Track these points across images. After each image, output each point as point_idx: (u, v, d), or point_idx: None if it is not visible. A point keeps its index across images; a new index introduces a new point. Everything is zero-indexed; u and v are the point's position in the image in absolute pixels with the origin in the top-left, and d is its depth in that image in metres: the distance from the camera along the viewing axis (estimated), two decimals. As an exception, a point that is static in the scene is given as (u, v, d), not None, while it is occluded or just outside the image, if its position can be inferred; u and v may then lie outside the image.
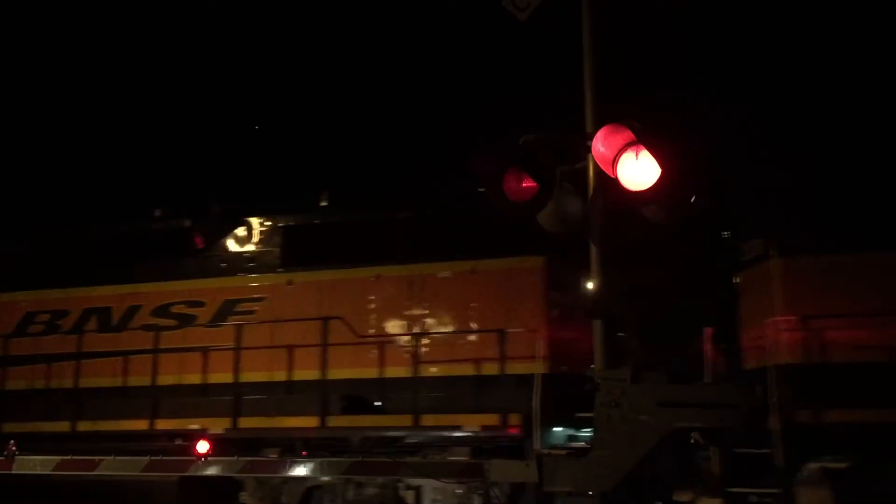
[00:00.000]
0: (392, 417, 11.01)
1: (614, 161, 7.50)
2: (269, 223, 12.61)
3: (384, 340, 11.32)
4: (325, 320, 11.45)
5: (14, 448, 12.04)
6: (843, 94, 14.01)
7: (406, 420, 10.82)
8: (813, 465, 9.64)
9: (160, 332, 12.49)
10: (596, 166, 8.02)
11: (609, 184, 7.79)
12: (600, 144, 7.52)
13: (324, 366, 11.39)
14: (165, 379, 12.20)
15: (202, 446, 11.17)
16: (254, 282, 12.38)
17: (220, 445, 11.49)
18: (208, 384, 11.97)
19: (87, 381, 12.60)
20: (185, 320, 12.57)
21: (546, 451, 9.82)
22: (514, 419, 10.36)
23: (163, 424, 11.94)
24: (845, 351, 9.45)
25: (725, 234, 11.44)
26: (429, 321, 11.37)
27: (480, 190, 10.29)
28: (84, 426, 12.31)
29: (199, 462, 11.09)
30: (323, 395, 11.25)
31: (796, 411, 9.31)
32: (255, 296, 12.29)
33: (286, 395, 11.46)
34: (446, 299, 11.40)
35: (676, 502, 9.96)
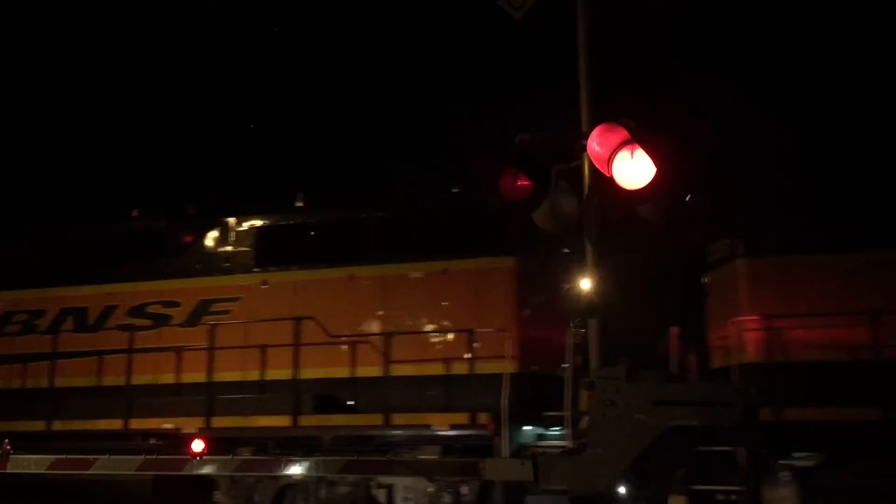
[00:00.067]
0: (363, 416, 11.12)
1: (609, 160, 7.43)
2: (243, 224, 12.68)
3: (356, 340, 11.42)
4: (298, 320, 11.52)
5: (8, 447, 12.04)
6: (812, 98, 14.16)
7: (377, 419, 10.92)
8: (778, 463, 9.81)
9: (136, 332, 12.57)
10: (591, 165, 8.12)
11: (604, 182, 7.77)
12: (595, 143, 7.53)
13: (296, 365, 11.47)
14: (140, 378, 12.27)
15: (197, 445, 11.17)
16: (229, 282, 12.46)
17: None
18: (183, 384, 12.05)
19: (63, 381, 12.66)
20: (161, 320, 12.66)
21: (541, 450, 9.94)
22: (484, 418, 10.47)
23: (137, 424, 12.01)
24: (808, 350, 9.60)
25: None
26: (401, 321, 11.46)
27: (480, 189, 10.34)
28: (59, 426, 12.38)
29: (195, 461, 11.08)
30: (295, 394, 11.34)
31: (758, 409, 9.44)
32: (230, 296, 12.37)
33: (259, 395, 11.54)
34: (418, 299, 11.51)
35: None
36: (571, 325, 10.75)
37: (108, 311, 13.02)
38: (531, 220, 11.70)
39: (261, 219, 12.64)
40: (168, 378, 12.15)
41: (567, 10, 9.05)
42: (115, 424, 12.05)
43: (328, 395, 11.35)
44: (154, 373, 12.31)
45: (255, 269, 12.37)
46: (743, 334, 9.92)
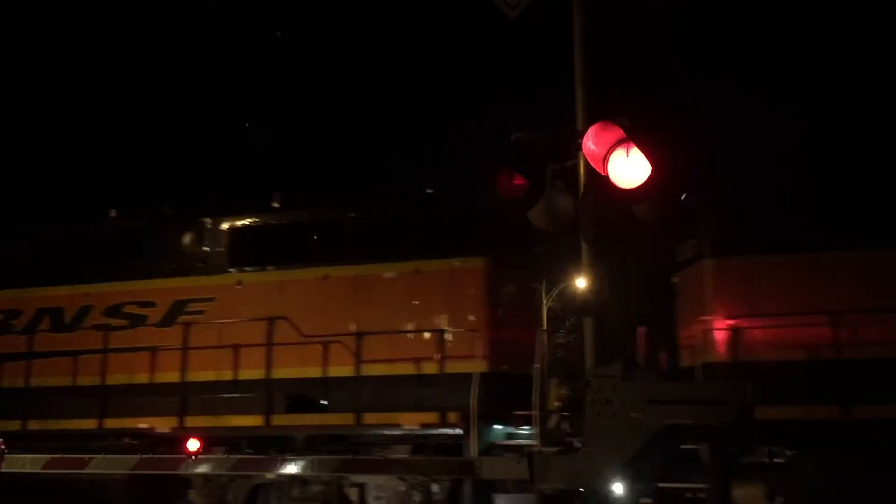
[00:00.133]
0: (335, 416, 11.20)
1: (605, 158, 7.49)
2: (219, 224, 12.74)
3: (329, 340, 11.48)
4: (271, 320, 11.59)
5: (3, 447, 12.06)
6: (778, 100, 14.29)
7: (348, 418, 11.00)
8: (744, 460, 9.93)
9: (112, 332, 12.62)
10: (587, 164, 8.10)
11: (600, 181, 7.83)
12: (591, 142, 7.57)
13: (269, 365, 11.54)
14: (116, 378, 12.32)
15: (193, 444, 11.19)
16: (204, 282, 12.52)
17: (168, 444, 11.62)
18: (157, 383, 12.10)
19: (39, 381, 12.70)
20: (137, 320, 12.72)
21: (537, 449, 9.96)
22: (453, 417, 10.56)
23: (112, 423, 12.04)
24: (771, 349, 9.72)
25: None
26: (374, 321, 11.52)
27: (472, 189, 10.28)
28: (35, 425, 12.40)
29: (190, 460, 11.10)
30: (268, 394, 11.41)
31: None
32: (205, 296, 12.43)
33: (232, 394, 11.60)
34: (391, 299, 11.59)
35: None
36: (541, 325, 10.88)
37: (85, 311, 13.07)
38: (503, 221, 11.91)
39: (236, 219, 12.69)
40: (143, 378, 12.20)
41: (562, 8, 9.04)
42: (90, 424, 12.07)
43: (301, 395, 11.42)
44: (129, 373, 12.35)
45: (230, 270, 12.43)
46: (708, 334, 10.04)
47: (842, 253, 9.78)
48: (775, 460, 9.80)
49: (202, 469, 11.25)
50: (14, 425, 12.51)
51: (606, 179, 7.54)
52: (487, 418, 10.87)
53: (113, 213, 13.89)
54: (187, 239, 12.84)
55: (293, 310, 11.80)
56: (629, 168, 7.35)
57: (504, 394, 11.07)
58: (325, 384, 11.44)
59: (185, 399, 11.75)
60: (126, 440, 11.98)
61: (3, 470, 12.00)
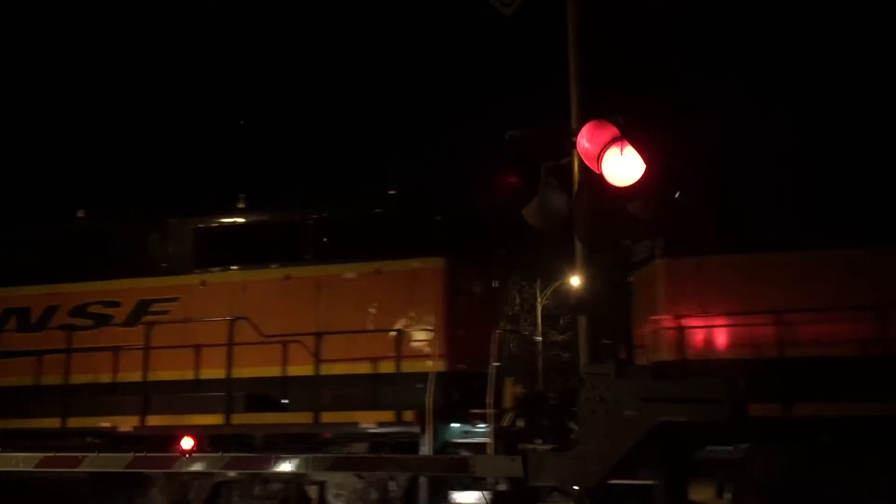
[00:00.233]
0: (294, 415, 11.33)
1: (599, 157, 7.46)
2: (184, 225, 12.85)
3: (290, 340, 11.61)
4: (232, 320, 11.72)
5: None
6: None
7: (307, 417, 11.13)
8: (696, 457, 10.09)
9: (77, 332, 12.71)
10: (581, 162, 8.12)
11: (594, 179, 7.84)
12: (585, 140, 7.57)
13: (230, 365, 11.66)
14: (80, 378, 12.41)
15: (186, 443, 11.12)
16: (168, 282, 12.63)
17: (130, 443, 11.72)
18: (120, 383, 12.21)
19: (3, 381, 12.80)
20: (102, 320, 12.82)
21: (531, 447, 10.04)
22: (409, 415, 10.69)
23: (74, 422, 12.14)
24: (719, 348, 9.89)
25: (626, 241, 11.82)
26: (335, 321, 11.65)
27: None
28: (-1, 424, 12.50)
29: (184, 459, 11.07)
30: (229, 393, 11.53)
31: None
32: (169, 296, 12.54)
33: (194, 393, 11.72)
34: (352, 300, 11.72)
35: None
36: (497, 325, 11.05)
37: (51, 311, 13.16)
38: (463, 222, 12.07)
39: (201, 220, 12.81)
40: (106, 377, 12.31)
41: (557, 6, 9.03)
42: (54, 423, 12.18)
43: (261, 394, 11.55)
44: (94, 372, 12.46)
45: (195, 270, 12.54)
46: (658, 333, 10.21)
47: (788, 253, 9.94)
48: (727, 457, 9.98)
49: (196, 467, 11.18)
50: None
51: (600, 177, 7.57)
52: (444, 417, 11.03)
53: (81, 213, 14.01)
54: (153, 239, 12.95)
55: (256, 310, 11.94)
56: (623, 166, 7.40)
57: (462, 392, 11.23)
58: (286, 383, 11.58)
59: (147, 398, 11.85)
60: (88, 439, 12.08)
61: None
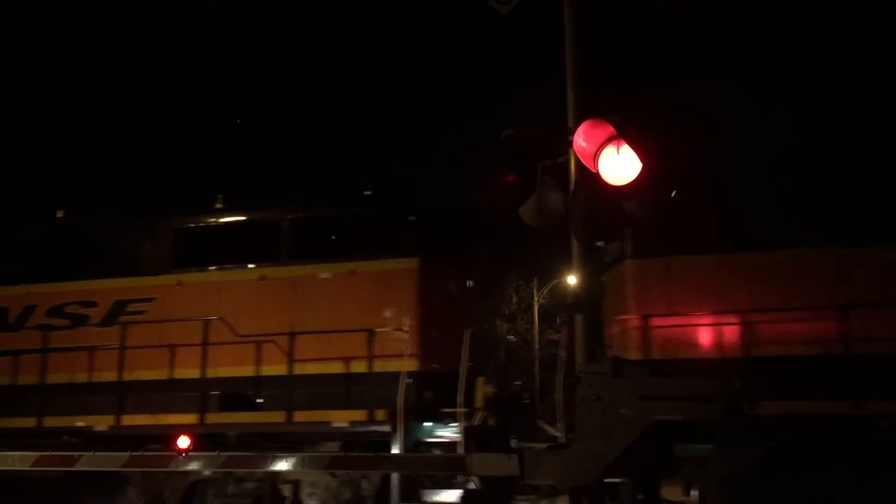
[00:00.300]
0: (267, 414, 11.42)
1: (595, 155, 7.43)
2: (161, 225, 12.93)
3: (265, 340, 11.69)
4: (207, 321, 11.79)
5: None
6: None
7: (280, 416, 11.22)
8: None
9: (54, 332, 12.77)
10: (577, 160, 8.02)
11: (590, 178, 7.75)
12: (581, 139, 7.52)
13: (204, 364, 11.74)
14: (56, 378, 12.48)
15: (183, 442, 11.10)
16: (145, 283, 12.70)
17: (105, 442, 11.78)
18: (96, 382, 12.28)
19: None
20: (79, 320, 12.89)
21: (527, 445, 9.91)
22: (381, 415, 10.78)
23: (51, 422, 12.20)
24: (685, 347, 10.00)
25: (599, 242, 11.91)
26: (309, 321, 11.74)
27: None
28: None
29: (181, 458, 11.04)
30: (203, 392, 11.61)
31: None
32: (146, 296, 12.62)
33: (168, 393, 11.79)
34: (326, 300, 11.82)
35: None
36: (468, 326, 11.15)
37: (29, 311, 13.23)
38: (438, 222, 12.18)
39: (178, 220, 12.89)
40: (82, 377, 12.37)
41: (554, 4, 8.92)
42: (30, 423, 12.24)
43: (235, 393, 11.63)
44: (70, 372, 12.52)
45: (171, 270, 12.62)
46: (626, 332, 10.32)
47: (754, 254, 10.05)
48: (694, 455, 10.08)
49: (192, 466, 11.14)
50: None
51: (597, 176, 7.54)
52: (417, 416, 11.13)
53: (61, 213, 14.08)
54: (130, 239, 13.02)
55: (231, 310, 12.02)
56: (620, 165, 7.37)
57: (434, 392, 11.33)
58: (260, 383, 11.67)
59: (122, 398, 11.92)
60: (65, 438, 12.13)
61: None
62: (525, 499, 10.83)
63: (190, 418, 11.55)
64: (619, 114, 7.60)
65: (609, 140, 7.39)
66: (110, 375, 12.20)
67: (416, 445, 10.97)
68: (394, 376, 10.89)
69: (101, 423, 11.94)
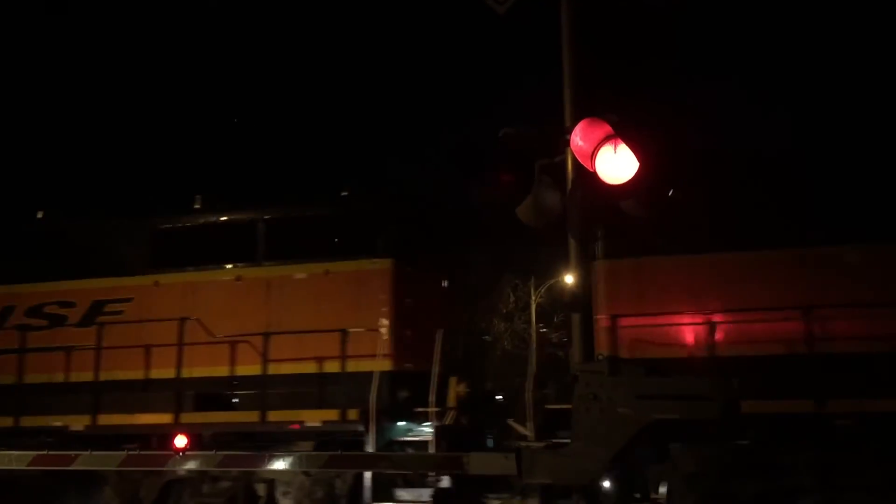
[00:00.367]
0: (241, 413, 11.49)
1: (592, 155, 7.47)
2: (139, 225, 12.98)
3: (238, 340, 11.76)
4: (182, 321, 11.86)
5: None
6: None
7: (253, 416, 11.29)
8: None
9: (32, 332, 12.83)
10: (574, 160, 8.09)
11: (587, 177, 7.83)
12: (579, 138, 7.54)
13: (180, 364, 11.81)
14: (33, 378, 12.54)
15: (180, 441, 11.15)
16: (122, 283, 12.75)
17: (82, 442, 11.84)
18: (73, 382, 12.34)
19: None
20: (57, 321, 12.94)
21: (524, 444, 9.94)
22: (353, 414, 10.86)
23: (28, 422, 12.28)
24: (653, 347, 10.07)
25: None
26: (285, 321, 11.81)
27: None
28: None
29: (178, 457, 11.12)
30: (178, 392, 11.69)
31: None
32: (123, 297, 12.68)
33: (144, 393, 11.86)
34: (301, 300, 11.89)
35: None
36: (440, 326, 11.25)
37: (8, 311, 13.27)
38: (412, 222, 12.24)
39: (156, 220, 12.95)
40: (60, 377, 12.43)
41: (551, 3, 8.99)
42: (7, 422, 12.30)
43: (210, 393, 11.71)
44: (48, 372, 12.58)
45: (148, 270, 12.68)
46: (596, 332, 10.36)
47: (722, 255, 10.14)
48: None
49: (190, 465, 11.20)
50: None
51: (594, 175, 7.58)
52: (390, 415, 11.21)
53: (40, 214, 14.13)
54: (108, 240, 13.08)
55: (208, 310, 12.10)
56: (616, 164, 7.40)
57: (408, 391, 11.41)
58: (236, 383, 11.74)
59: (98, 397, 11.98)
60: (41, 438, 12.19)
61: None
62: (497, 497, 10.87)
63: (165, 418, 11.64)
64: (616, 113, 7.64)
65: (606, 139, 7.43)
66: (87, 375, 12.26)
67: (388, 444, 11.05)
68: (367, 376, 10.98)
69: (78, 422, 12.02)
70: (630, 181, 7.42)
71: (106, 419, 11.92)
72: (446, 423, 10.94)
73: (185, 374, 11.86)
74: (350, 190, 12.37)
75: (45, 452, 11.61)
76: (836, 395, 9.15)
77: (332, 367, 11.45)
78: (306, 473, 11.15)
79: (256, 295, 12.09)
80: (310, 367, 11.53)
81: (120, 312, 12.63)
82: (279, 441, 11.42)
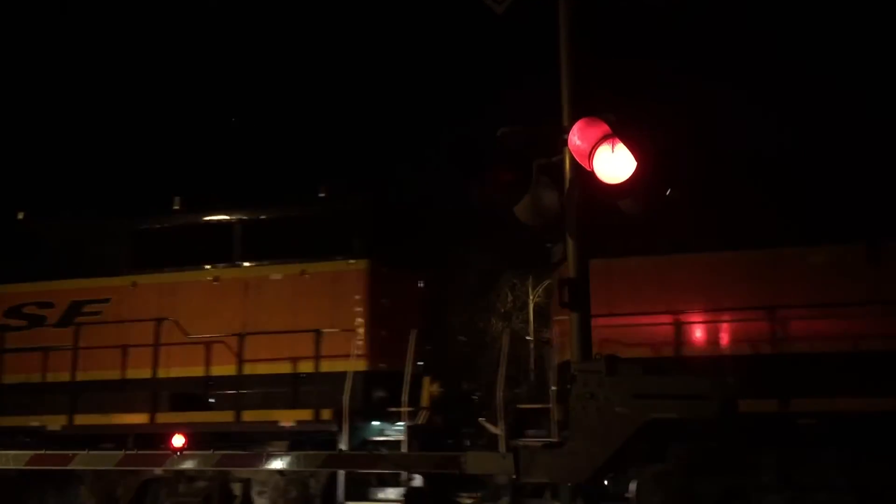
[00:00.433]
0: (216, 413, 11.58)
1: (590, 154, 7.45)
2: (117, 226, 13.07)
3: (216, 340, 11.85)
4: (158, 321, 11.95)
5: None
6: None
7: (228, 416, 11.38)
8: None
9: (11, 333, 12.91)
10: (572, 159, 8.05)
11: (585, 177, 7.82)
12: (576, 137, 7.53)
13: (156, 365, 11.90)
14: (12, 378, 12.64)
15: (178, 440, 11.07)
16: (100, 284, 12.84)
17: (60, 441, 11.91)
18: (51, 383, 12.43)
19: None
20: (35, 321, 13.03)
21: (521, 443, 9.99)
22: (326, 414, 10.96)
23: (6, 422, 12.35)
24: (621, 348, 10.15)
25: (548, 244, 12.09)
26: (261, 322, 11.91)
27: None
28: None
29: (175, 456, 11.02)
30: (154, 392, 11.78)
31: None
32: (101, 297, 12.76)
33: (120, 393, 11.95)
34: (278, 300, 11.97)
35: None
36: (414, 326, 11.34)
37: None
38: (388, 223, 12.33)
39: (134, 221, 13.03)
40: (38, 377, 12.52)
41: (549, 2, 8.89)
42: (-16, 422, 12.39)
43: (186, 393, 11.79)
44: (27, 372, 12.67)
45: (126, 271, 12.76)
46: (566, 332, 10.47)
47: (690, 256, 10.24)
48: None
49: (187, 465, 11.13)
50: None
51: (592, 175, 7.59)
52: (364, 415, 11.30)
53: (20, 215, 14.19)
54: (86, 240, 13.15)
55: (186, 311, 12.19)
56: (614, 163, 7.41)
57: (383, 391, 11.49)
58: (211, 383, 11.83)
59: (74, 397, 12.06)
60: (19, 438, 12.26)
61: None
62: (468, 495, 10.97)
63: (141, 418, 11.71)
64: (613, 112, 7.64)
65: (604, 138, 7.45)
66: (64, 376, 12.34)
67: (362, 444, 11.13)
68: (342, 376, 11.06)
69: (55, 422, 12.09)
70: (628, 180, 7.45)
71: (83, 419, 11.99)
72: (419, 422, 11.03)
73: (162, 374, 11.98)
74: (327, 191, 12.46)
75: (42, 452, 11.57)
76: (797, 394, 9.26)
77: (307, 367, 11.56)
78: (281, 473, 11.25)
79: (234, 295, 12.19)
80: (285, 368, 11.64)
81: (98, 313, 12.71)
82: (254, 441, 11.50)
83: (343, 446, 10.72)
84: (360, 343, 11.39)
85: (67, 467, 11.54)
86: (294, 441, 11.30)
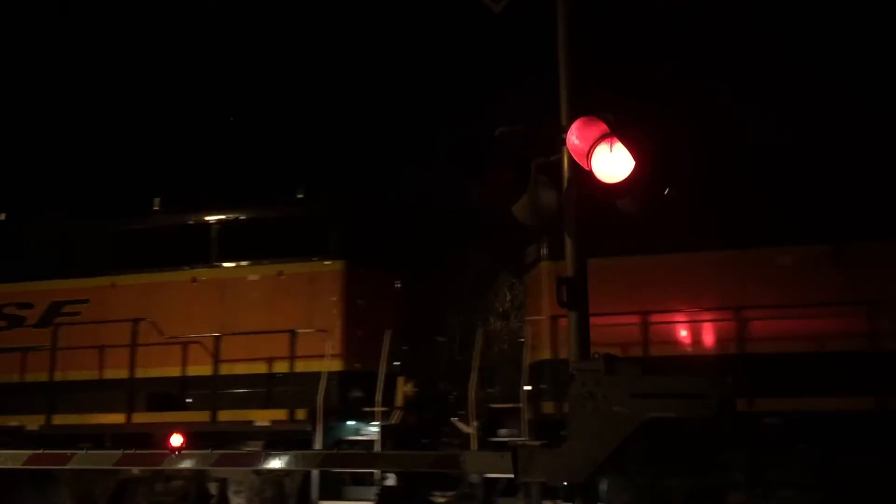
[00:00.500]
0: (192, 413, 11.64)
1: (589, 153, 7.45)
2: (96, 227, 13.13)
3: (193, 341, 11.92)
4: (136, 322, 12.01)
5: None
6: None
7: (204, 416, 11.44)
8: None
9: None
10: (571, 158, 8.06)
11: (584, 176, 7.80)
12: (575, 137, 7.51)
13: (133, 365, 11.96)
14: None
15: (176, 440, 10.91)
16: (79, 284, 12.90)
17: (37, 442, 11.95)
18: (30, 383, 12.49)
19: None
20: (15, 321, 13.09)
21: (521, 443, 9.86)
22: (301, 414, 11.02)
23: (-16, 422, 12.43)
24: (595, 347, 10.21)
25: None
26: (239, 322, 11.97)
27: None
28: None
29: (173, 456, 10.85)
30: (130, 392, 11.84)
31: (544, 403, 10.13)
32: (80, 298, 12.82)
33: (97, 393, 12.01)
34: (255, 301, 12.04)
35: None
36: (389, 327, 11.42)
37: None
38: (364, 224, 12.39)
39: (114, 222, 13.10)
40: (16, 378, 12.58)
41: (547, 2, 8.83)
42: (-37, 422, 12.45)
43: (163, 393, 11.85)
44: (6, 372, 12.73)
45: (105, 272, 12.82)
46: (539, 332, 10.57)
47: (661, 257, 10.31)
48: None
49: (185, 464, 10.87)
50: None
51: (590, 174, 7.58)
52: (339, 415, 11.38)
53: (2, 216, 14.25)
54: (65, 241, 13.21)
55: (163, 311, 12.26)
56: (613, 163, 7.40)
57: (359, 391, 11.56)
58: (188, 383, 11.90)
59: (51, 397, 12.12)
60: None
61: None
62: (441, 494, 11.03)
63: (118, 418, 11.77)
64: (612, 112, 7.60)
65: (602, 138, 7.44)
66: (43, 376, 12.40)
67: (337, 444, 11.21)
68: (317, 376, 11.14)
69: (33, 422, 12.15)
70: (626, 180, 7.45)
71: (61, 419, 12.06)
72: (392, 422, 11.10)
73: (140, 374, 12.03)
74: (304, 191, 12.53)
75: (40, 451, 11.35)
76: (764, 394, 9.33)
77: (282, 367, 11.63)
78: (257, 473, 11.32)
79: (212, 296, 12.25)
80: (262, 368, 11.71)
81: (77, 314, 12.77)
82: (230, 441, 11.56)
83: (317, 446, 10.78)
84: (336, 343, 11.46)
85: (66, 467, 11.37)
86: (269, 441, 11.37)
